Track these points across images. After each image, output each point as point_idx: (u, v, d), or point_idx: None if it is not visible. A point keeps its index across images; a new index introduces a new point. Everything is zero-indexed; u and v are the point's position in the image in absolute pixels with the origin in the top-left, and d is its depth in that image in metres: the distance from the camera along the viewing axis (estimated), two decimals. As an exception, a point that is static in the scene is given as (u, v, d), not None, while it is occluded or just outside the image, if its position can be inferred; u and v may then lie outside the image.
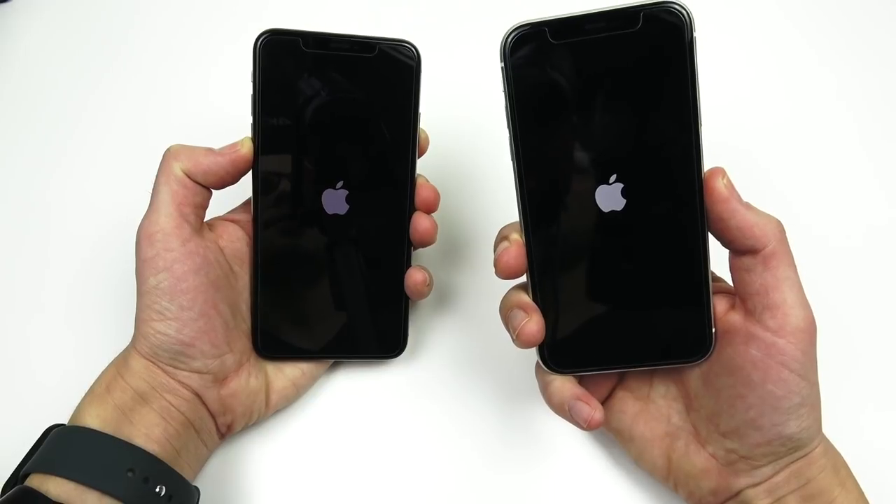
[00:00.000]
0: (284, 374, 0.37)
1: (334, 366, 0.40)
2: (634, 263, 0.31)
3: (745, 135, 0.46)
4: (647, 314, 0.32)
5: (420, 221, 0.36)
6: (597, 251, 0.31)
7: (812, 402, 0.30)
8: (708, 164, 0.30)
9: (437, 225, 0.36)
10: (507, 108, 0.30)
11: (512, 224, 0.32)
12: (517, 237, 0.32)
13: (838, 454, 0.32)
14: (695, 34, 0.29)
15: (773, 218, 0.30)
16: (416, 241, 0.36)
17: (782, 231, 0.30)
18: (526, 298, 0.32)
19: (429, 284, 0.36)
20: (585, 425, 0.31)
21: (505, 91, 0.30)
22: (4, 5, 0.53)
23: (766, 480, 0.31)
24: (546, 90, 0.30)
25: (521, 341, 0.31)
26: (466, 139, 0.34)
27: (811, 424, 0.30)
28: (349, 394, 0.39)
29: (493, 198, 0.43)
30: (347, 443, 0.38)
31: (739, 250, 0.30)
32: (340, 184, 0.36)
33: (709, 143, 0.30)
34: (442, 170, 0.37)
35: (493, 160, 0.38)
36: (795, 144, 0.46)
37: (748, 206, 0.30)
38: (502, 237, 0.32)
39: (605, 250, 0.31)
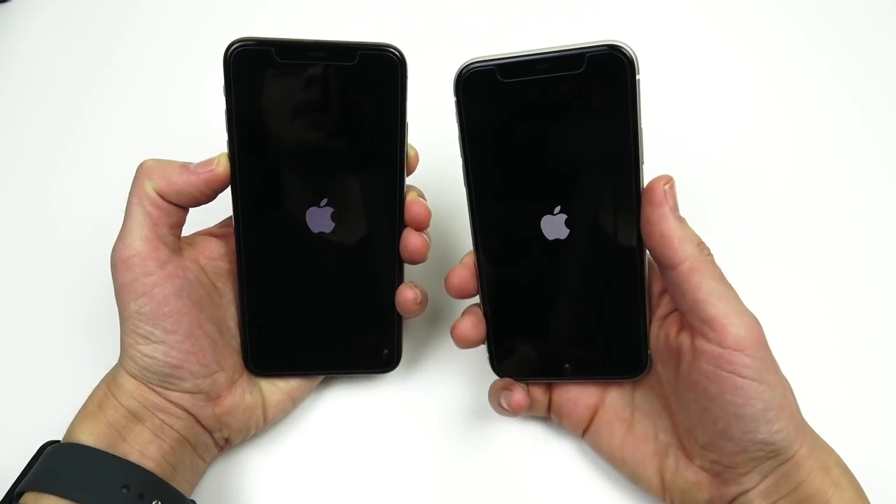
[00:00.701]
0: (279, 387, 0.37)
1: (329, 381, 0.39)
2: (575, 289, 0.33)
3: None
4: (585, 334, 0.34)
5: (410, 239, 0.34)
6: (541, 276, 0.33)
7: (779, 404, 0.29)
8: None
9: (428, 242, 0.34)
10: (459, 139, 0.31)
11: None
12: (469, 258, 0.33)
13: (830, 453, 0.31)
14: (638, 76, 0.29)
15: (695, 236, 0.30)
16: (407, 259, 0.35)
17: (702, 248, 0.30)
18: (476, 309, 0.34)
19: (420, 303, 0.35)
20: (510, 409, 0.34)
21: (458, 123, 0.31)
22: (4, 5, 0.53)
23: (755, 486, 0.30)
24: (494, 126, 0.31)
25: (452, 336, 0.34)
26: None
27: (784, 427, 0.29)
28: (344, 409, 0.39)
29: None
30: (342, 457, 0.38)
31: (659, 262, 0.31)
32: (325, 201, 0.34)
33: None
34: (435, 184, 0.37)
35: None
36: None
37: (679, 218, 0.30)
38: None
39: (548, 276, 0.33)
